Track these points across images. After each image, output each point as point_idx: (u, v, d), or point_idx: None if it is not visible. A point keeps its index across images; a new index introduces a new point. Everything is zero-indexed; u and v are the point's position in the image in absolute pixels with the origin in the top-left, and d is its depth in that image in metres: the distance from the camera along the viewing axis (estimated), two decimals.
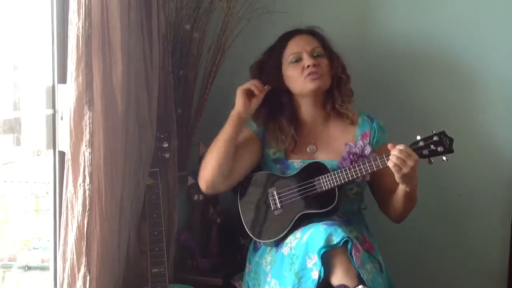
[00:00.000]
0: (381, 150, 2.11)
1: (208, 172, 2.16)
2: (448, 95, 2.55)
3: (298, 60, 2.16)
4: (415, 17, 2.54)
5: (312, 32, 2.22)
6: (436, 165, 2.04)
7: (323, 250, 1.86)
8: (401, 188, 2.04)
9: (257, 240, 2.18)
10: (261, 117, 2.22)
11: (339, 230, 1.88)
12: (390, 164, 1.95)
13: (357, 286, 1.85)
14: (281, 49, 2.20)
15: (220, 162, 2.13)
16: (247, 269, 2.26)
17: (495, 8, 2.47)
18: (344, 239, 1.86)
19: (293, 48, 2.17)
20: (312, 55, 2.15)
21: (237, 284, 2.36)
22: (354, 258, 1.87)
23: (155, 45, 2.18)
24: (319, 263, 1.86)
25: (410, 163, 1.93)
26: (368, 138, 2.20)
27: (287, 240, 2.03)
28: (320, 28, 2.24)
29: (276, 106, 2.20)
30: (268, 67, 2.22)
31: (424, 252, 2.61)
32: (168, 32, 2.33)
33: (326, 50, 2.20)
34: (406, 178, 1.97)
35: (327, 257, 1.87)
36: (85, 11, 1.88)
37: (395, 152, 1.94)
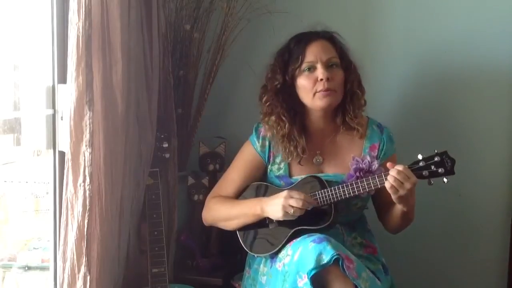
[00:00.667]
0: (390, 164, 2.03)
1: (214, 222, 2.25)
2: (449, 95, 2.55)
3: (312, 69, 2.05)
4: (415, 17, 2.54)
5: (331, 39, 2.11)
6: None
7: (313, 272, 1.82)
8: (398, 207, 2.00)
9: (251, 253, 2.16)
10: (272, 126, 2.12)
11: (328, 247, 1.83)
12: (387, 185, 1.90)
13: None
14: (297, 55, 2.06)
15: (228, 229, 2.20)
16: (246, 273, 2.24)
17: (496, 10, 2.47)
18: (334, 257, 1.82)
19: (308, 56, 2.05)
20: (327, 66, 2.04)
21: (237, 284, 2.36)
22: (347, 272, 1.83)
23: (155, 45, 2.18)
24: (308, 283, 1.82)
25: (407, 185, 1.88)
26: (376, 150, 2.13)
27: (281, 255, 2.01)
28: (338, 34, 2.15)
29: (289, 114, 2.10)
30: (282, 71, 2.10)
31: (424, 252, 2.61)
32: (168, 32, 2.33)
33: (342, 60, 2.09)
34: (402, 199, 1.92)
35: (322, 274, 1.84)
36: (85, 11, 1.88)
37: (393, 173, 1.88)
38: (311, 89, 2.05)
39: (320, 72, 2.03)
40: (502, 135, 2.52)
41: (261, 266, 2.12)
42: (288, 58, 2.09)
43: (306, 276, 1.83)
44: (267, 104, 2.12)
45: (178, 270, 2.47)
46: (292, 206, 1.97)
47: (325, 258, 1.82)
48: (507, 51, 2.47)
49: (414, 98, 2.57)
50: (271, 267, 2.06)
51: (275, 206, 2.01)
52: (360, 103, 2.11)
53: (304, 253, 1.87)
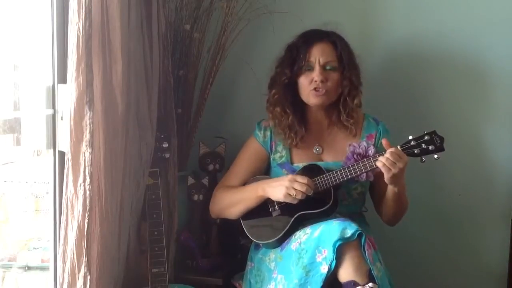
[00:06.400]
0: (385, 141, 2.11)
1: (220, 212, 2.29)
2: (449, 95, 2.55)
3: (311, 69, 2.17)
4: (415, 17, 2.54)
5: (334, 42, 2.20)
6: (436, 165, 2.05)
7: (338, 243, 1.88)
8: (390, 189, 2.09)
9: (257, 241, 2.20)
10: (276, 116, 2.23)
11: (352, 224, 1.92)
12: (379, 164, 2.01)
13: (367, 283, 1.87)
14: (302, 54, 2.18)
15: (233, 217, 2.23)
16: (248, 267, 2.27)
17: (496, 8, 2.47)
18: (358, 232, 1.89)
19: (310, 57, 2.17)
20: (323, 68, 2.16)
21: (237, 284, 2.36)
22: (366, 254, 1.90)
23: (155, 45, 2.18)
24: (331, 256, 1.88)
25: (399, 164, 1.99)
26: (374, 139, 2.24)
27: (296, 236, 2.05)
28: (342, 38, 2.21)
29: (290, 104, 2.22)
30: (290, 67, 2.21)
31: (424, 252, 2.61)
32: (168, 32, 2.33)
33: (341, 63, 2.19)
34: (394, 178, 2.01)
35: (338, 252, 1.89)
36: (85, 11, 1.88)
37: (387, 155, 2.00)
38: (307, 86, 2.18)
39: (315, 74, 2.16)
40: (502, 134, 2.52)
41: (269, 253, 2.16)
42: (296, 55, 2.21)
43: (327, 251, 1.89)
44: (275, 96, 2.24)
45: (178, 270, 2.47)
46: (295, 189, 2.04)
47: (349, 232, 1.90)
48: (505, 43, 2.48)
49: (413, 97, 2.58)
50: (281, 250, 2.10)
51: (278, 187, 2.09)
52: (352, 105, 2.21)
53: (327, 229, 1.93)
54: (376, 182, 2.19)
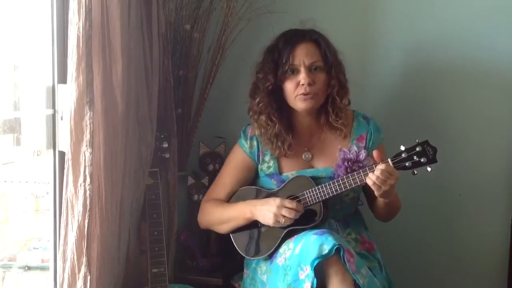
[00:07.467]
0: (376, 153, 2.06)
1: (209, 226, 2.30)
2: (447, 96, 2.55)
3: (296, 72, 2.10)
4: (414, 17, 2.54)
5: (316, 41, 2.13)
6: (436, 165, 2.04)
7: (316, 262, 1.85)
8: (381, 200, 2.05)
9: (247, 257, 2.19)
10: (261, 125, 2.16)
11: (330, 238, 1.87)
12: (369, 182, 1.95)
13: None
14: (284, 57, 2.10)
15: (223, 232, 2.24)
16: (244, 275, 2.26)
17: (495, 10, 2.47)
18: (336, 247, 1.85)
19: (293, 59, 2.09)
20: (309, 70, 2.09)
21: (237, 285, 2.36)
22: (348, 265, 1.86)
23: (155, 45, 2.18)
24: (311, 274, 1.85)
25: (390, 181, 1.93)
26: (364, 141, 2.17)
27: (281, 250, 2.03)
28: (323, 35, 2.16)
29: (278, 114, 2.15)
30: (273, 72, 2.13)
31: (424, 252, 2.61)
32: (168, 32, 2.33)
33: (326, 63, 2.12)
34: (385, 194, 1.97)
35: (322, 267, 1.87)
36: (85, 11, 1.88)
37: (377, 173, 1.93)
38: (293, 91, 2.10)
39: (302, 77, 2.08)
40: (501, 134, 2.52)
41: (261, 264, 2.14)
42: (278, 59, 2.13)
43: (308, 268, 1.86)
44: (260, 104, 2.16)
45: (178, 270, 2.47)
46: (284, 216, 2.02)
47: (327, 248, 1.85)
48: (504, 46, 2.47)
49: (412, 98, 2.57)
50: (271, 264, 2.08)
51: (266, 213, 2.06)
52: (341, 105, 2.14)
53: (306, 246, 1.90)
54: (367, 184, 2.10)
